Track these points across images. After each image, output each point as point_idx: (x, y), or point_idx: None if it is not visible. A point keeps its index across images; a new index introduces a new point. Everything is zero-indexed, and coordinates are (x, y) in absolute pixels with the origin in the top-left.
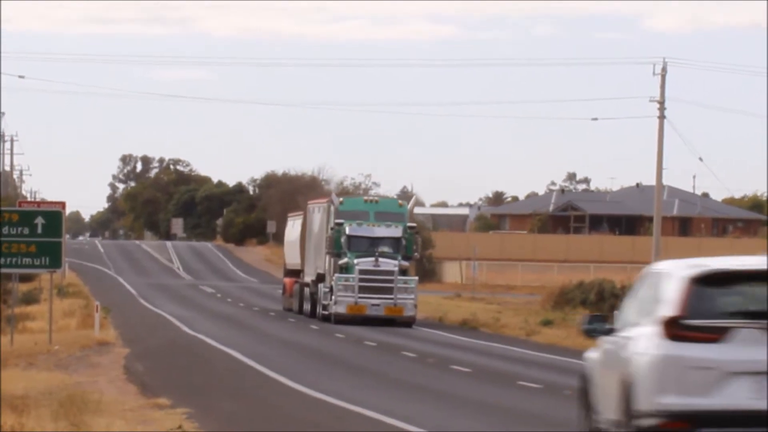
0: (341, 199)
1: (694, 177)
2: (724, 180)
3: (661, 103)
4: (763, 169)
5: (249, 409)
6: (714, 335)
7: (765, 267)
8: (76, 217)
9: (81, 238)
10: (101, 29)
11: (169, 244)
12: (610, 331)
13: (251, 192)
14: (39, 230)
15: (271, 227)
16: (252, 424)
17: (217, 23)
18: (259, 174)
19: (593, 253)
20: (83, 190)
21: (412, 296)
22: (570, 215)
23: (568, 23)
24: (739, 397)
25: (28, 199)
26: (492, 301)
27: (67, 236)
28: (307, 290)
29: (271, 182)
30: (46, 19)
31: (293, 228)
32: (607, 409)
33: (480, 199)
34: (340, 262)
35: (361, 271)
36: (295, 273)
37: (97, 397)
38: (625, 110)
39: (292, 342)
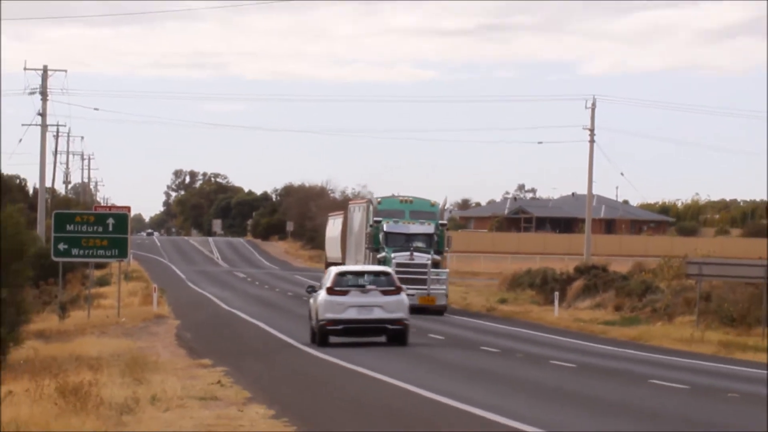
0: (379, 199)
1: (616, 187)
2: (640, 189)
3: (591, 130)
4: (672, 181)
5: (271, 368)
6: (343, 292)
7: (364, 269)
8: (139, 218)
9: (143, 234)
10: (159, 72)
11: (210, 239)
12: (313, 290)
13: (274, 199)
14: (110, 228)
15: (290, 226)
16: (273, 379)
17: (250, 67)
18: (280, 185)
19: (539, 247)
20: (145, 197)
21: (444, 287)
22: (521, 217)
23: (523, 68)
24: (352, 314)
25: (102, 204)
26: (461, 284)
27: (133, 233)
28: None
29: (289, 191)
30: (117, 63)
31: (334, 226)
32: (312, 319)
33: (451, 204)
34: (379, 256)
35: (398, 264)
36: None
37: (154, 359)
38: (564, 136)
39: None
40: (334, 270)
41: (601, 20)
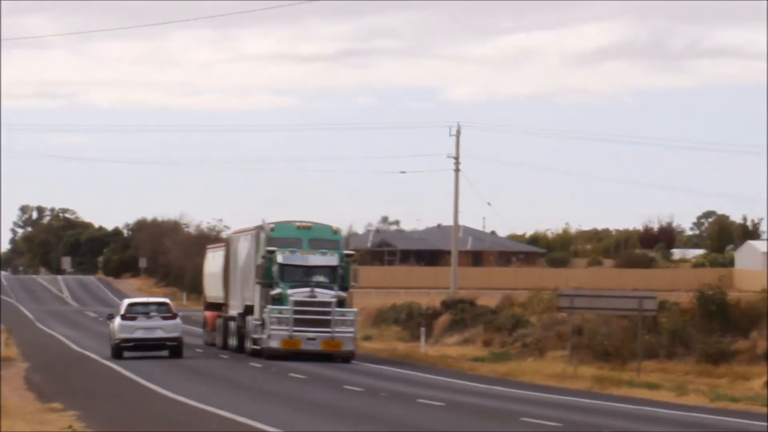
0: (272, 224)
1: (483, 218)
2: (508, 220)
3: (456, 158)
4: (541, 210)
5: (125, 410)
6: (133, 317)
7: (148, 300)
8: None
9: None
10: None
11: (60, 278)
12: (112, 317)
13: (125, 234)
14: None
15: (142, 263)
16: (128, 423)
17: (100, 96)
18: (131, 219)
19: (403, 280)
20: None
21: (352, 329)
22: (384, 250)
23: (383, 94)
24: (140, 334)
25: None
26: None
27: None
28: (233, 324)
29: (141, 226)
30: None
31: (214, 260)
32: (111, 339)
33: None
34: (272, 292)
35: (296, 303)
36: (217, 306)
37: (2, 403)
38: (428, 164)
39: (161, 356)
40: (126, 301)
41: (464, 45)
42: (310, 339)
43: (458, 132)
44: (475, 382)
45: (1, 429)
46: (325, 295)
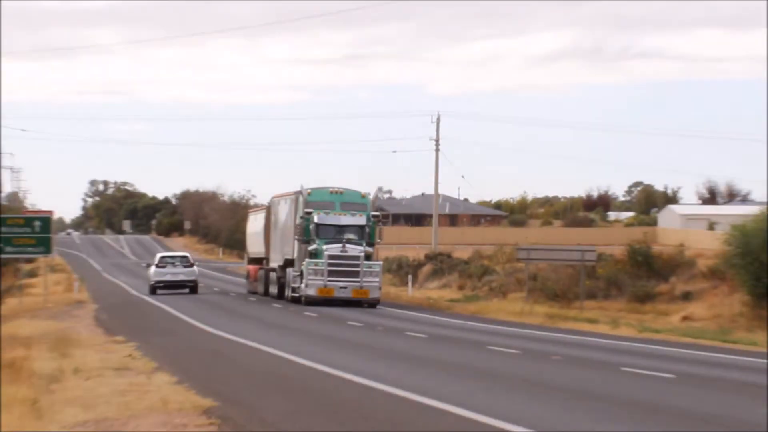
0: (309, 190)
1: (458, 188)
2: (478, 189)
3: (437, 141)
4: (504, 182)
5: (174, 342)
6: (163, 266)
7: (174, 254)
8: (61, 220)
9: (64, 233)
10: (77, 98)
11: (121, 237)
12: (149, 266)
13: (173, 202)
14: (36, 229)
15: (187, 225)
16: (176, 351)
17: (153, 93)
18: (177, 190)
19: (394, 238)
20: (66, 202)
21: (377, 279)
22: (379, 214)
23: (379, 89)
24: (168, 278)
25: (29, 209)
26: None
27: (55, 233)
28: (273, 275)
29: (185, 195)
30: (41, 91)
31: (255, 221)
32: (149, 280)
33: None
34: (310, 248)
35: (330, 257)
36: (258, 261)
37: (76, 336)
38: (414, 146)
39: (201, 298)
40: (158, 255)
41: (444, 50)
42: (341, 288)
43: (438, 120)
44: (452, 318)
45: (76, 356)
46: (355, 249)
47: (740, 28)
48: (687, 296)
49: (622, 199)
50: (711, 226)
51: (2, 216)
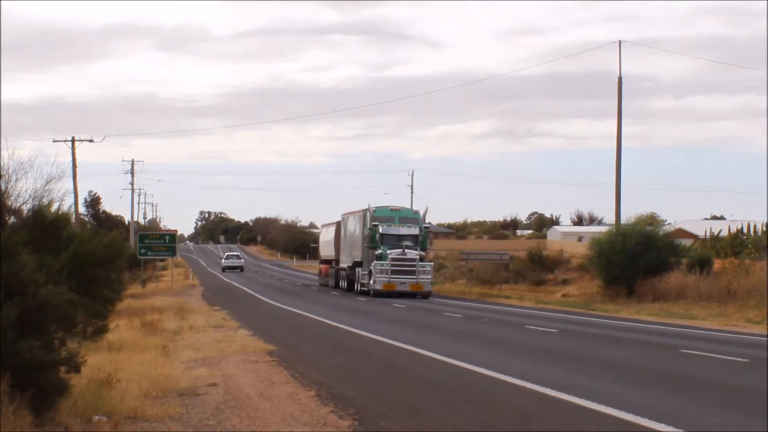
0: (374, 208)
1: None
2: (438, 216)
3: (411, 186)
4: (452, 210)
5: (253, 311)
6: (228, 258)
7: (233, 253)
8: (182, 235)
9: (183, 243)
10: (192, 161)
11: (219, 246)
12: (221, 259)
13: (250, 224)
14: (167, 241)
15: (258, 238)
16: (256, 316)
17: (239, 156)
18: (253, 216)
19: None
20: (185, 224)
21: (429, 277)
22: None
23: (377, 155)
24: (229, 263)
25: (162, 228)
26: None
27: (178, 243)
28: (343, 273)
29: (258, 220)
30: (170, 156)
31: (327, 232)
32: (221, 267)
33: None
34: (376, 252)
35: (393, 259)
36: (328, 262)
37: (191, 307)
38: (399, 190)
39: (272, 285)
40: (225, 254)
41: (418, 132)
42: (401, 283)
43: (412, 174)
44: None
45: (191, 319)
46: (412, 253)
47: (599, 119)
48: (565, 282)
49: (525, 222)
50: (579, 239)
51: (147, 233)
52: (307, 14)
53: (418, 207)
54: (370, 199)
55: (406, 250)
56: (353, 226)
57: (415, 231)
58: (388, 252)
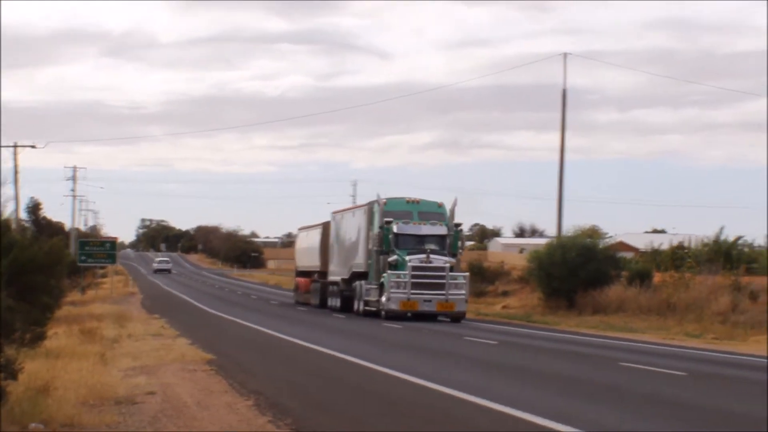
0: (384, 199)
1: None
2: None
3: (354, 197)
4: None
5: (193, 320)
6: (158, 262)
7: (165, 258)
8: (122, 243)
9: (123, 251)
10: (138, 168)
11: (159, 253)
12: (154, 263)
13: (191, 232)
14: (107, 248)
15: (200, 247)
16: (190, 325)
17: (184, 166)
18: (194, 225)
19: None
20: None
21: (463, 292)
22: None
23: (323, 166)
24: (160, 267)
25: (102, 235)
26: None
27: (118, 250)
28: (334, 288)
29: (199, 228)
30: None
31: (307, 237)
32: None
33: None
34: (390, 259)
35: (414, 268)
36: (307, 274)
37: (130, 314)
38: (341, 199)
39: (212, 293)
40: (157, 258)
41: (364, 141)
42: (426, 301)
43: (355, 184)
44: None
45: (129, 327)
46: (439, 260)
47: (543, 132)
48: (505, 293)
49: (467, 233)
50: (521, 251)
51: (88, 240)
52: (255, 23)
53: None
54: (312, 209)
55: (431, 256)
56: (352, 226)
57: (441, 230)
58: (408, 258)
